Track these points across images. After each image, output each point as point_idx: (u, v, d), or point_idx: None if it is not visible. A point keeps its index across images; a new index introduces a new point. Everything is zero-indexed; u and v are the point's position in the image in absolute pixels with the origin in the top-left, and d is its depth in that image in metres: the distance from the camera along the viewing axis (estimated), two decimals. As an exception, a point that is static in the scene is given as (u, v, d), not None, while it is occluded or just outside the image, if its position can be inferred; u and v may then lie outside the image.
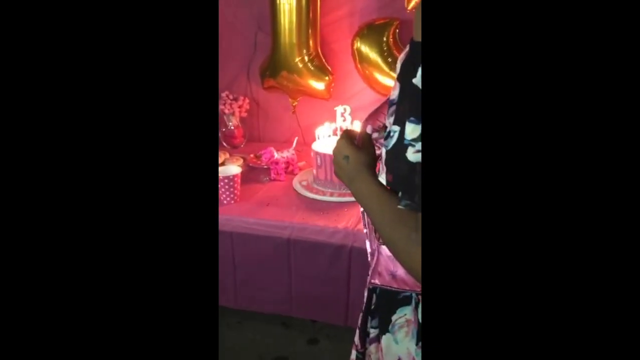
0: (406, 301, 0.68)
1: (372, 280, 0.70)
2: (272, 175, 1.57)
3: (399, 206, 0.56)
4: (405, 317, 0.68)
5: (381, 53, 1.60)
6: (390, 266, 0.68)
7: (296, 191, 1.46)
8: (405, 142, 0.54)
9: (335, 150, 0.68)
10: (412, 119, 0.54)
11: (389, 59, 1.59)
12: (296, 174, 1.59)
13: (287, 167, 1.61)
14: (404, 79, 0.56)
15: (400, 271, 0.66)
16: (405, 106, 0.55)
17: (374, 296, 0.72)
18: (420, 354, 0.65)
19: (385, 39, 1.60)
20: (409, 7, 1.51)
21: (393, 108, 0.58)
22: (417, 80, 0.52)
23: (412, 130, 0.54)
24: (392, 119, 0.58)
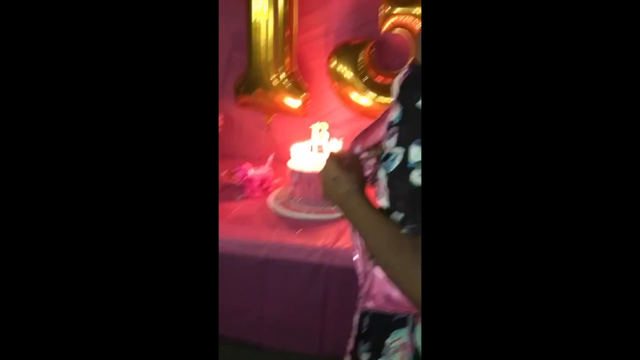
0: (401, 323, 0.66)
1: (366, 304, 0.68)
2: (246, 192, 1.54)
3: (403, 231, 0.55)
4: (400, 340, 0.66)
5: (356, 72, 1.61)
6: (384, 289, 0.65)
7: (272, 209, 1.44)
8: (409, 164, 0.54)
9: (323, 171, 0.67)
10: (417, 141, 0.53)
11: (364, 79, 1.61)
12: (271, 192, 1.57)
13: (261, 185, 1.59)
14: (405, 101, 0.56)
15: (396, 294, 0.64)
16: (409, 128, 0.55)
17: (366, 319, 0.70)
18: None
19: (360, 58, 1.62)
20: (383, 30, 1.54)
21: (393, 129, 0.57)
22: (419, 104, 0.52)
23: (417, 153, 0.53)
24: (392, 141, 0.57)
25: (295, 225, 1.34)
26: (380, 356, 0.68)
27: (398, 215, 0.57)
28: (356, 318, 0.72)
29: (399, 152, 0.56)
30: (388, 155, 0.58)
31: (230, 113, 1.90)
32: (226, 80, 1.84)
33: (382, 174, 0.60)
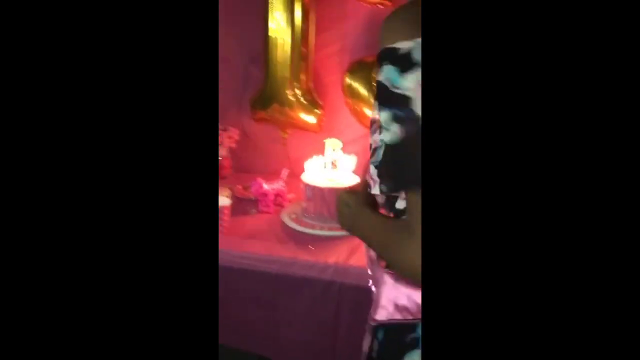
0: (414, 344, 0.64)
1: (375, 317, 0.67)
2: (260, 207, 1.55)
3: (375, 192, 0.59)
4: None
5: (370, 89, 1.62)
6: (393, 295, 0.65)
7: (285, 224, 1.44)
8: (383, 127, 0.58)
9: (338, 201, 0.69)
10: (383, 108, 0.57)
11: (379, 95, 1.62)
12: (285, 206, 1.57)
13: (275, 199, 1.59)
14: (381, 92, 0.59)
15: (403, 300, 0.64)
16: (385, 113, 0.58)
17: (375, 343, 0.69)
18: None
19: (374, 75, 1.63)
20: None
21: (374, 125, 0.60)
22: (382, 78, 0.58)
23: (386, 117, 0.56)
24: (376, 135, 0.59)
25: (307, 240, 1.34)
26: None
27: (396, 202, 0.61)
28: (366, 342, 0.71)
29: (382, 140, 0.58)
30: (375, 150, 0.59)
31: (247, 128, 1.93)
32: (243, 96, 1.87)
33: (372, 169, 0.60)
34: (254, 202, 1.58)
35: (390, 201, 0.65)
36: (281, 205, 1.58)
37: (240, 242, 1.32)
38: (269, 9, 1.60)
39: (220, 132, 1.84)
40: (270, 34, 1.62)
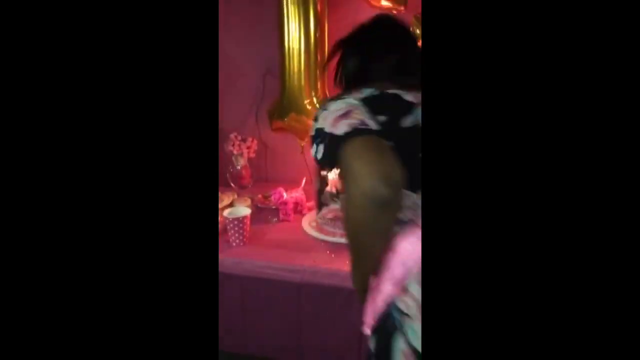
0: (394, 327, 0.70)
1: (376, 299, 0.76)
2: (281, 215, 1.56)
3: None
4: (400, 350, 0.69)
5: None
6: (392, 274, 0.74)
7: (305, 232, 1.45)
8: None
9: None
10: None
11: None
12: (304, 214, 1.58)
13: (295, 207, 1.60)
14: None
15: (378, 283, 0.75)
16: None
17: (373, 339, 0.76)
18: None
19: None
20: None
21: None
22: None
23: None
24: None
25: (329, 248, 1.34)
26: None
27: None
28: (372, 342, 0.76)
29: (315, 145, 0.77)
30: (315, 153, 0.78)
31: (265, 138, 1.95)
32: (260, 107, 1.89)
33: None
34: (275, 211, 1.59)
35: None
36: (301, 213, 1.59)
37: (261, 251, 1.34)
38: (284, 20, 1.62)
39: (239, 143, 1.86)
40: (285, 44, 1.64)
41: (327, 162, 0.75)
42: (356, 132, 0.69)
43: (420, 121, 0.76)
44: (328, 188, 0.71)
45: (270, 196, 1.65)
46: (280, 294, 1.30)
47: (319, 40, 1.64)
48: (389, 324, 0.71)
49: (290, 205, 1.57)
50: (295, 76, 1.67)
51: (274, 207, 1.61)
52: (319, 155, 0.76)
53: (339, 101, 0.77)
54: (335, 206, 0.82)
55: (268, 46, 1.75)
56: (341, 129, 0.71)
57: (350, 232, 0.76)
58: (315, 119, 0.79)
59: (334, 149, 0.71)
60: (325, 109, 0.78)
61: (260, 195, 1.71)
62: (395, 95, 0.78)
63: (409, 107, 0.77)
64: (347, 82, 0.90)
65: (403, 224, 0.75)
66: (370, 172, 0.64)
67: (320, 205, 0.81)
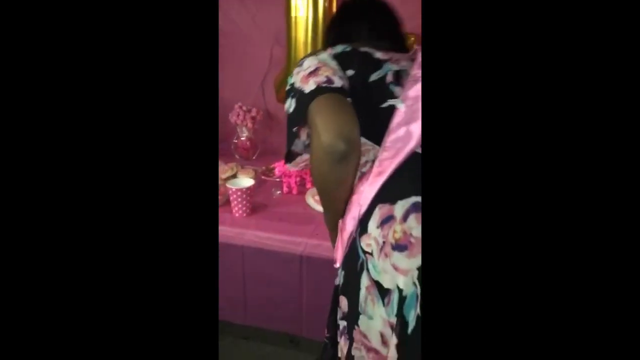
0: (363, 268, 0.77)
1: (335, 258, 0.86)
2: (284, 188, 1.56)
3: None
4: (365, 286, 0.76)
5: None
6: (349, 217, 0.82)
7: (309, 205, 1.44)
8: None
9: None
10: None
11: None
12: (308, 188, 1.57)
13: (299, 181, 1.59)
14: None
15: (343, 222, 0.83)
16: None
17: (338, 289, 0.85)
18: (391, 313, 0.72)
19: (401, 53, 1.59)
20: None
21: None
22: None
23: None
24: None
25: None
26: (359, 314, 0.77)
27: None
28: (340, 276, 0.85)
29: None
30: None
31: (270, 109, 1.92)
32: (267, 77, 1.86)
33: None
34: (278, 183, 1.58)
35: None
36: (305, 187, 1.59)
37: (265, 224, 1.34)
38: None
39: (243, 112, 1.84)
40: (292, 13, 1.60)
41: (296, 117, 0.80)
42: (321, 90, 0.75)
43: (387, 75, 0.82)
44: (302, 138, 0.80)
45: (274, 168, 1.64)
46: (281, 265, 1.30)
47: (327, 9, 1.60)
48: (355, 262, 0.78)
49: (294, 178, 1.56)
50: (302, 46, 1.63)
51: (277, 179, 1.60)
52: (291, 109, 0.82)
53: (312, 57, 0.84)
54: (307, 156, 0.85)
55: (277, 14, 1.70)
56: (309, 87, 0.77)
57: (317, 182, 0.84)
58: (291, 75, 0.86)
59: (301, 106, 0.77)
60: (300, 65, 0.85)
61: (263, 167, 1.71)
62: (366, 52, 0.85)
63: (377, 63, 0.83)
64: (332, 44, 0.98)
65: (362, 174, 0.83)
66: (329, 129, 0.71)
67: (291, 155, 0.88)
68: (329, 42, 0.97)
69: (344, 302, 0.83)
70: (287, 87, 0.85)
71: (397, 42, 0.96)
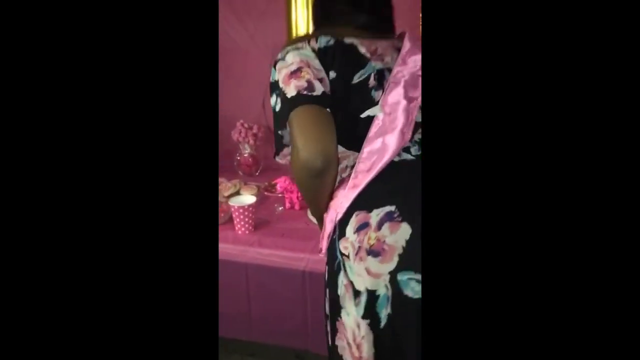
0: (340, 268, 0.82)
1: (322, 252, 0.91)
2: (287, 204, 1.56)
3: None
4: (343, 284, 0.81)
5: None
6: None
7: (311, 220, 1.45)
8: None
9: None
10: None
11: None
12: (311, 203, 1.57)
13: (301, 196, 1.60)
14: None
15: (325, 220, 0.89)
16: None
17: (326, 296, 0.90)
18: (360, 312, 0.78)
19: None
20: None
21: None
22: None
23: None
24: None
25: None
26: (340, 309, 0.82)
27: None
28: (326, 270, 0.89)
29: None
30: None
31: (271, 125, 1.94)
32: (267, 93, 1.87)
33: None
34: (280, 199, 1.59)
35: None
36: (307, 202, 1.59)
37: (268, 240, 1.34)
38: (291, 7, 1.60)
39: (245, 130, 1.86)
40: (293, 31, 1.63)
41: (281, 120, 0.83)
42: (301, 99, 0.77)
43: (370, 77, 0.83)
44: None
45: (276, 185, 1.65)
46: (285, 281, 1.30)
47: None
48: (334, 262, 0.85)
49: (296, 194, 1.57)
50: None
51: (280, 195, 1.61)
52: (277, 108, 0.84)
53: (295, 52, 0.83)
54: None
55: (275, 30, 1.73)
56: (290, 90, 0.79)
57: (297, 186, 0.90)
58: (274, 66, 0.86)
59: (284, 112, 0.80)
60: (282, 59, 0.84)
61: (266, 183, 1.72)
62: (351, 45, 0.84)
63: (361, 60, 0.83)
64: (315, 24, 0.98)
65: (342, 179, 0.87)
66: (307, 146, 0.74)
67: (280, 146, 0.87)
68: (314, 20, 0.98)
69: (329, 294, 0.89)
70: (271, 81, 0.86)
71: (384, 20, 0.94)
